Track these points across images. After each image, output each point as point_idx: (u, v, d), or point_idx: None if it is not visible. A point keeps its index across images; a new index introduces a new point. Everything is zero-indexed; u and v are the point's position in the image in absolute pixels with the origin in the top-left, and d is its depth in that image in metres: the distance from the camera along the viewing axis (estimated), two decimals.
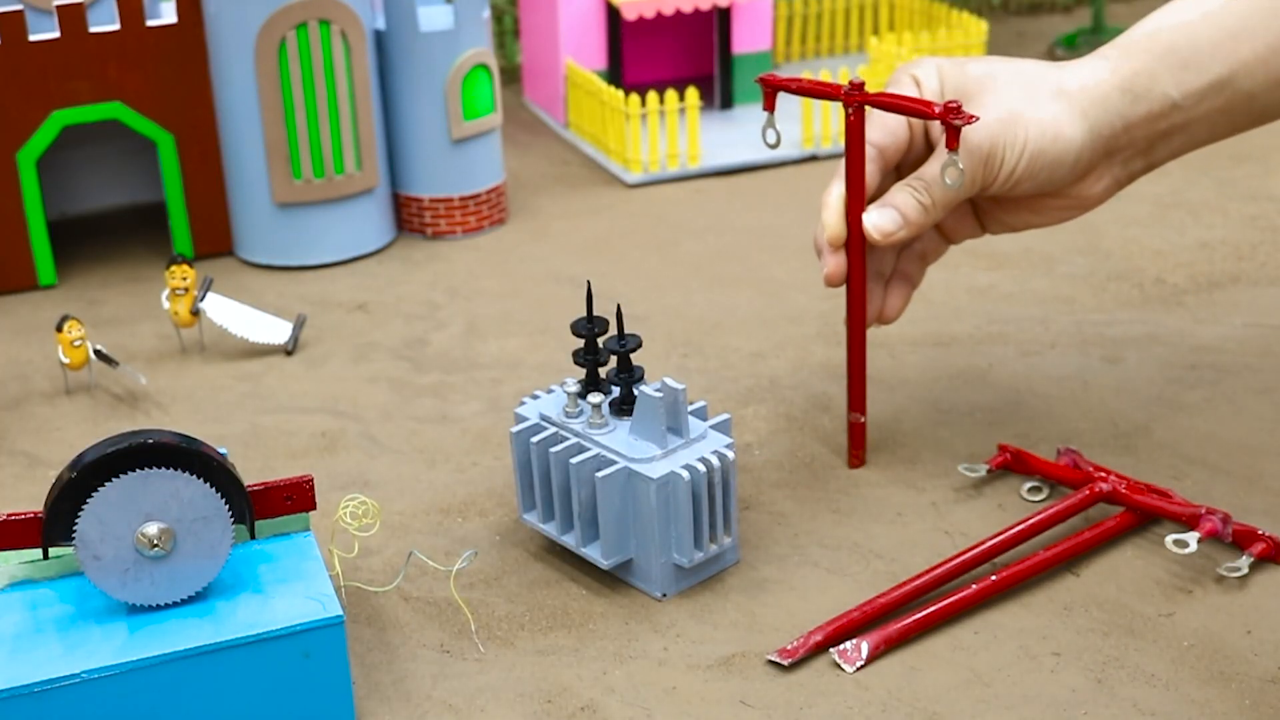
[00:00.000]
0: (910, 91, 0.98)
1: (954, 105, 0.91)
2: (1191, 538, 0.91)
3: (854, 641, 0.86)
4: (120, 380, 1.20)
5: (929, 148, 0.99)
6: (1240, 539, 0.93)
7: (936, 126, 0.98)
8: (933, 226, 1.01)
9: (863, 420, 1.03)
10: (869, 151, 0.97)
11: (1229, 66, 0.96)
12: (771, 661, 0.86)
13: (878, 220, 0.96)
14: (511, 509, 1.01)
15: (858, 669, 0.85)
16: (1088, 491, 0.97)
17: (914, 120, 0.98)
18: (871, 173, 0.97)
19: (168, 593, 0.80)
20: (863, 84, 0.95)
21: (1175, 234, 1.40)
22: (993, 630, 0.88)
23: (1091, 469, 0.99)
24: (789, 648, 0.86)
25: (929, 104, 0.92)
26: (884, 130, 0.98)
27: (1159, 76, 0.96)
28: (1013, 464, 1.02)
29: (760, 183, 1.56)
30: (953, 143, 0.92)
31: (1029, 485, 1.01)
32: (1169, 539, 0.91)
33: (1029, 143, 0.95)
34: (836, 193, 0.98)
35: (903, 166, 1.01)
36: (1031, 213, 1.01)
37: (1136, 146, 0.98)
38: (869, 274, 1.00)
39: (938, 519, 0.98)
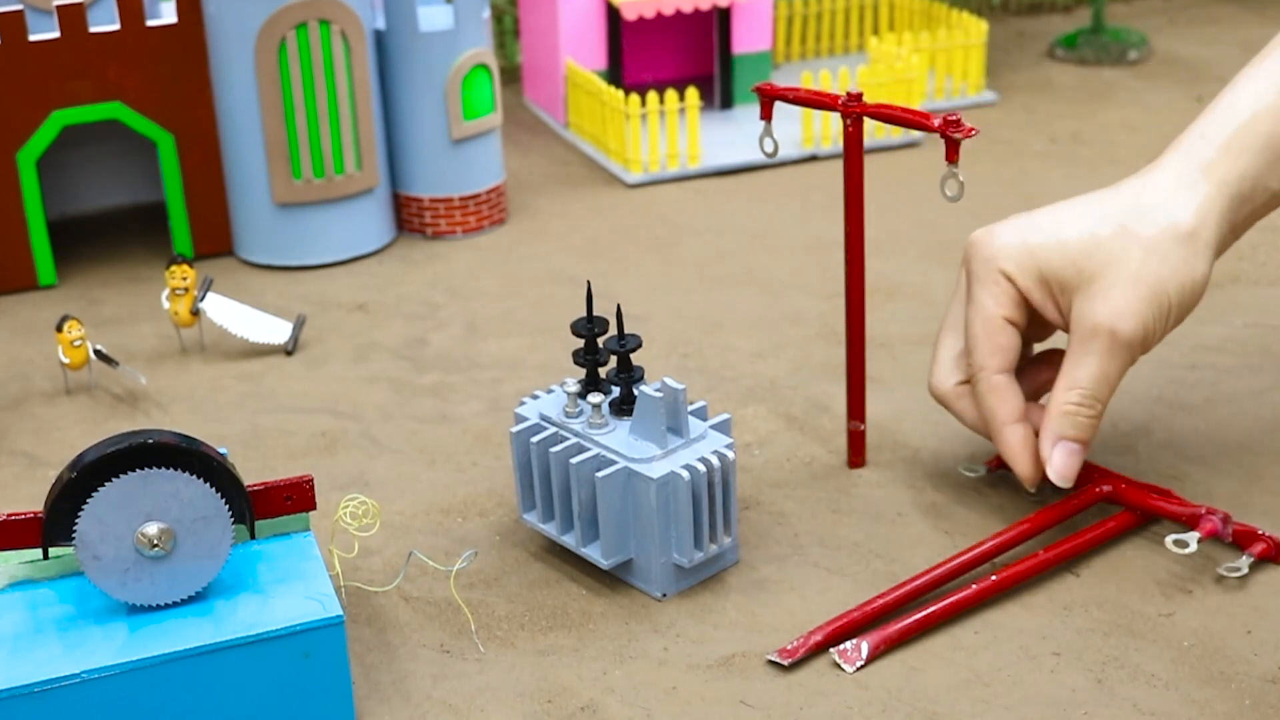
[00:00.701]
0: (1005, 289, 0.94)
1: (953, 118, 0.91)
2: (1191, 538, 0.91)
3: (854, 641, 0.86)
4: (120, 380, 1.20)
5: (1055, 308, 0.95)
6: (1240, 539, 0.93)
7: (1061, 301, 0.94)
8: (1025, 344, 0.99)
9: (862, 429, 1.03)
10: (999, 323, 0.94)
11: None
12: (771, 661, 0.86)
13: (1062, 468, 0.93)
14: (511, 509, 1.01)
15: (858, 669, 0.85)
16: (1088, 491, 0.97)
17: (1034, 299, 0.94)
18: (1012, 342, 0.95)
19: (168, 593, 0.80)
20: (860, 95, 0.95)
21: None
22: (993, 630, 0.88)
23: (1091, 469, 0.99)
24: (789, 648, 0.86)
25: (927, 116, 0.92)
26: (1012, 306, 0.94)
27: (1262, 174, 0.94)
28: None
29: (760, 183, 1.56)
30: (952, 155, 0.92)
31: None
32: (1169, 539, 0.91)
33: (1174, 307, 0.92)
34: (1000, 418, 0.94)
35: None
36: None
37: (1237, 234, 0.97)
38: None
39: (938, 519, 0.98)
